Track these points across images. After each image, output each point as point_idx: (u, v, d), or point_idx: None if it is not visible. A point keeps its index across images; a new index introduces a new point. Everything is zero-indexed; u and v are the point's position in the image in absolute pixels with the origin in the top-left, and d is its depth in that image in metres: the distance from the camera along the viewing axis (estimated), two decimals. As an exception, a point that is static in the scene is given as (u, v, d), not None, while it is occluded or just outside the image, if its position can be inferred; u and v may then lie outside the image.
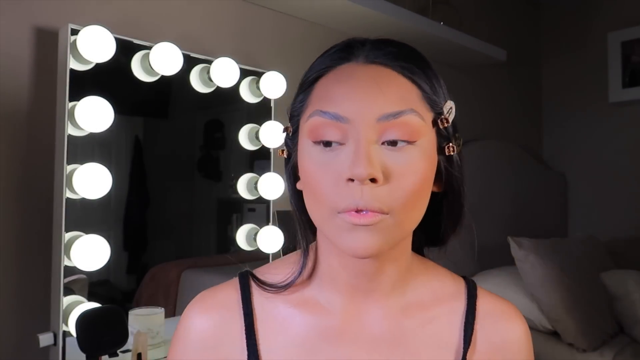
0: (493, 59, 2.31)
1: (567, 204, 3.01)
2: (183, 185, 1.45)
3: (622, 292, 1.96)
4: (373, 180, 0.48)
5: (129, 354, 1.15)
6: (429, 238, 0.62)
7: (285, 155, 0.58)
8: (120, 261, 1.28)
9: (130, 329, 1.16)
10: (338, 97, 0.50)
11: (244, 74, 1.53)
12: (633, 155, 2.74)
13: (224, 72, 1.43)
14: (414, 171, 0.50)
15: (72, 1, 1.28)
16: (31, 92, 1.21)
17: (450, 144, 0.55)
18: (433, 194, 0.55)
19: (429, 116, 0.52)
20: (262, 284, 0.58)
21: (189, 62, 1.39)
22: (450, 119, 0.55)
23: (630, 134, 2.77)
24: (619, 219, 2.77)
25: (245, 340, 0.55)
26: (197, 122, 1.49)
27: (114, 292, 1.31)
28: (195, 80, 1.43)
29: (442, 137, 0.55)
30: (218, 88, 1.45)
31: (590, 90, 2.90)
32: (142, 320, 1.21)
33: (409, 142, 0.50)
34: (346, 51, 0.54)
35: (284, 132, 0.58)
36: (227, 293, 0.59)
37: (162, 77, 1.33)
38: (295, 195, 0.58)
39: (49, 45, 1.23)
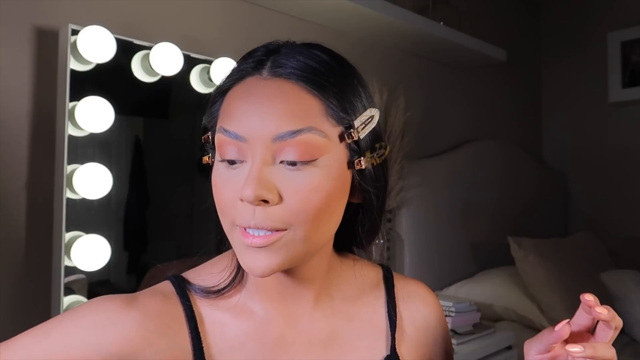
0: (493, 59, 2.31)
1: (567, 204, 3.01)
2: (183, 185, 1.45)
3: (622, 292, 1.97)
4: (266, 201, 0.48)
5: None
6: (351, 241, 0.64)
7: (210, 162, 0.57)
8: (121, 261, 1.28)
9: (130, 328, 1.16)
10: (237, 115, 0.50)
11: (244, 74, 1.53)
12: (633, 155, 2.74)
13: (224, 72, 1.43)
14: (312, 190, 0.49)
15: (72, 1, 1.28)
16: (31, 92, 1.22)
17: (361, 159, 0.53)
18: (354, 203, 0.56)
19: (334, 131, 0.51)
20: (196, 289, 0.56)
21: (189, 63, 1.39)
22: (367, 130, 0.53)
23: (630, 134, 2.77)
24: (619, 219, 2.77)
25: (190, 342, 0.54)
26: (197, 122, 1.49)
27: (114, 292, 1.30)
28: (196, 81, 1.43)
29: (353, 151, 0.53)
30: (218, 88, 1.45)
31: (590, 90, 2.90)
32: (142, 320, 1.21)
33: (308, 162, 0.49)
34: (257, 61, 0.53)
35: (203, 141, 0.57)
36: (165, 295, 0.56)
37: (162, 77, 1.33)
38: None
39: (49, 45, 1.23)
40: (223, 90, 0.54)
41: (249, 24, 1.67)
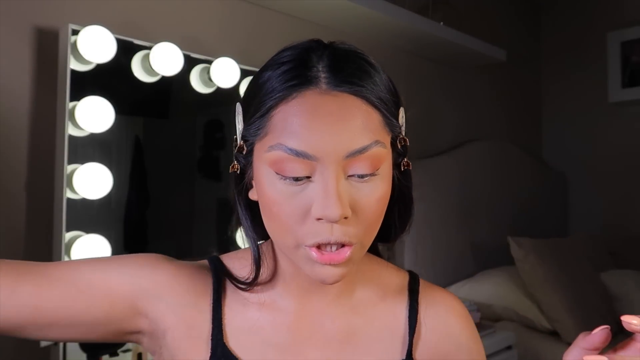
0: (493, 59, 2.31)
1: (567, 203, 3.01)
2: (183, 185, 1.45)
3: (622, 292, 1.97)
4: (345, 217, 0.49)
5: (130, 353, 1.16)
6: (380, 236, 0.63)
7: (237, 170, 0.56)
8: (121, 261, 1.28)
9: (130, 328, 1.16)
10: (303, 132, 0.48)
11: (244, 74, 1.53)
12: (633, 155, 2.74)
13: (224, 72, 1.43)
14: (377, 198, 0.51)
15: (72, 1, 1.28)
16: (31, 92, 1.22)
17: (405, 159, 0.56)
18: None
19: (388, 139, 0.53)
20: (231, 277, 0.59)
21: (189, 63, 1.39)
22: (404, 131, 0.56)
23: (630, 134, 2.77)
24: (619, 219, 2.77)
25: (211, 312, 0.58)
26: (197, 122, 1.49)
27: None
28: (196, 81, 1.43)
29: (398, 154, 0.55)
30: (218, 88, 1.45)
31: (590, 90, 2.90)
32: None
33: (374, 174, 0.51)
34: (304, 72, 0.50)
35: (237, 151, 0.55)
36: (200, 265, 0.62)
37: (163, 77, 1.33)
38: (248, 208, 0.58)
39: (49, 45, 1.23)
40: (269, 106, 0.50)
41: (249, 24, 1.67)
